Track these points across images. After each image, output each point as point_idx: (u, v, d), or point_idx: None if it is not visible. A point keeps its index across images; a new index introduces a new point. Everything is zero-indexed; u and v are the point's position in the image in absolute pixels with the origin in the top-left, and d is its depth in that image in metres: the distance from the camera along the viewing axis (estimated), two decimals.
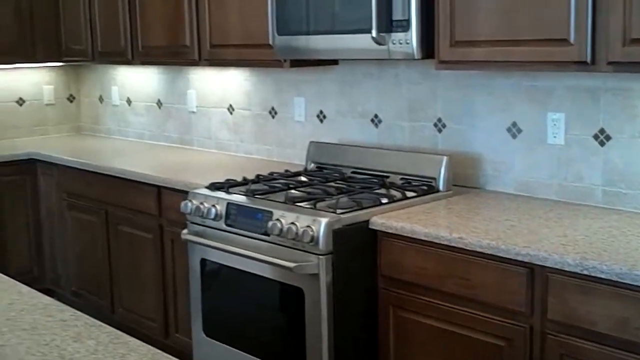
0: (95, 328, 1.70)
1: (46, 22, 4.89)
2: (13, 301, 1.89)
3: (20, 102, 5.23)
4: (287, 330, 2.83)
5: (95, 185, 4.14)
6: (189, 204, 3.16)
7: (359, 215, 2.72)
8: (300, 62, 3.41)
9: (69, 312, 1.81)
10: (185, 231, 3.19)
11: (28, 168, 4.62)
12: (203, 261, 3.14)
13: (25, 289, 1.99)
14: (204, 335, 3.18)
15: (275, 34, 3.25)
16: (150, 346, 1.60)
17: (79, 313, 1.80)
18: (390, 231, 2.62)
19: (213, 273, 3.12)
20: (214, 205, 3.05)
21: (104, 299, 4.19)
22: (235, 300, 3.03)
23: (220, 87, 4.31)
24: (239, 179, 3.33)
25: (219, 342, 3.11)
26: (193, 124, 4.54)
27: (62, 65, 5.29)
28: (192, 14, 3.85)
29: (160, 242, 3.74)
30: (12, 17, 4.76)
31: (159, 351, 1.59)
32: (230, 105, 4.26)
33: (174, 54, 4.03)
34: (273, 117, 4.00)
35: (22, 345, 1.61)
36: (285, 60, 3.38)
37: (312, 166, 3.58)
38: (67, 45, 4.87)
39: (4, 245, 4.56)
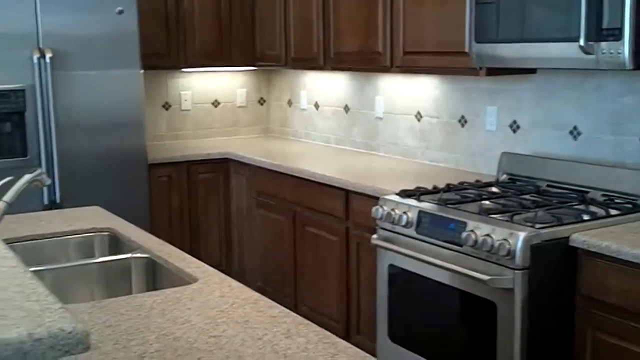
0: (303, 326, 1.76)
1: (243, 30, 5.12)
2: (224, 294, 1.99)
3: (216, 103, 5.50)
4: (476, 343, 2.79)
5: (285, 186, 4.28)
6: (380, 209, 3.19)
7: (559, 231, 2.63)
8: (496, 71, 3.35)
9: (277, 308, 1.88)
10: (374, 236, 3.22)
11: (222, 166, 4.85)
12: (391, 267, 3.16)
13: (235, 283, 2.08)
14: (389, 340, 3.19)
15: (473, 42, 3.21)
16: (358, 349, 1.63)
17: (287, 310, 1.87)
18: (593, 250, 2.51)
19: (401, 279, 3.13)
20: (405, 213, 3.06)
21: (287, 297, 4.32)
22: (422, 308, 3.03)
23: (408, 94, 4.33)
24: (426, 186, 3.32)
25: (404, 349, 3.12)
26: (379, 129, 4.58)
27: (254, 70, 5.52)
28: (385, 20, 3.89)
29: (345, 244, 3.80)
30: (213, 25, 5.02)
31: (368, 355, 1.61)
32: (418, 112, 4.26)
33: (365, 60, 4.09)
34: (462, 125, 3.96)
35: (237, 337, 1.69)
36: (481, 68, 3.33)
37: (503, 177, 3.51)
38: (262, 51, 5.07)
39: (197, 237, 4.82)
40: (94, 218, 2.91)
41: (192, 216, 4.80)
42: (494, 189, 3.31)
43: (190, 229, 4.80)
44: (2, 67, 4.04)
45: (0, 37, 4.02)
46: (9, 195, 2.34)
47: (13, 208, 2.36)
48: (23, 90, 4.08)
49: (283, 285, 4.37)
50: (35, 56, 4.09)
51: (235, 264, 4.90)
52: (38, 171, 2.41)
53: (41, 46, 4.12)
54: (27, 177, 2.38)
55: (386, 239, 3.15)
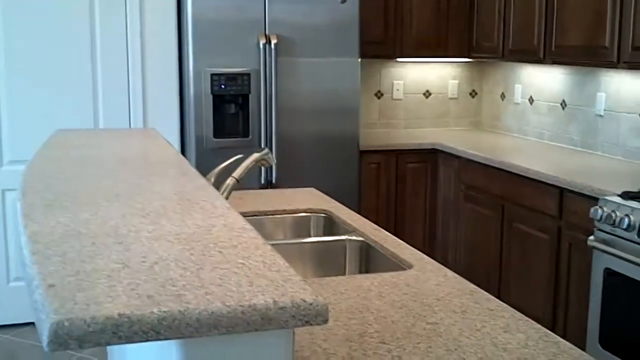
0: (522, 322, 1.73)
1: (460, 20, 5.08)
2: (440, 283, 2.00)
3: (427, 94, 5.50)
4: None
5: (494, 180, 4.21)
6: (599, 210, 3.06)
7: None
8: None
9: (495, 302, 1.87)
10: (591, 238, 3.10)
11: (430, 157, 4.86)
12: (607, 270, 3.02)
13: (450, 273, 2.08)
14: (600, 347, 3.07)
15: None
16: (582, 351, 1.58)
17: (505, 305, 1.85)
18: None
19: (617, 284, 2.99)
20: (627, 215, 2.91)
21: (491, 294, 4.25)
22: (639, 316, 2.88)
23: (633, 91, 4.10)
24: None
25: (615, 356, 2.98)
26: (599, 128, 4.38)
27: (467, 62, 5.46)
28: (615, 14, 3.70)
29: (557, 244, 3.68)
30: (430, 15, 5.03)
31: (591, 357, 1.56)
32: None
33: (589, 55, 3.92)
34: None
35: (454, 326, 1.69)
36: None
37: None
38: (478, 42, 5.01)
39: (402, 226, 4.87)
40: (310, 199, 3.02)
41: (398, 204, 4.85)
42: None
43: (395, 217, 4.86)
44: (231, 51, 4.29)
45: (230, 24, 4.27)
46: (238, 172, 2.49)
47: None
48: (249, 74, 4.31)
49: (487, 282, 4.31)
50: (262, 42, 4.30)
51: (439, 257, 4.89)
52: (265, 150, 2.54)
53: (267, 32, 4.32)
54: (255, 155, 2.52)
55: (604, 242, 3.02)
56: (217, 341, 1.10)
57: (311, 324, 1.10)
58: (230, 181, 2.41)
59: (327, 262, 2.57)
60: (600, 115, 4.36)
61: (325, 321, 1.10)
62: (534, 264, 3.86)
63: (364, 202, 4.73)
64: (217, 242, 1.38)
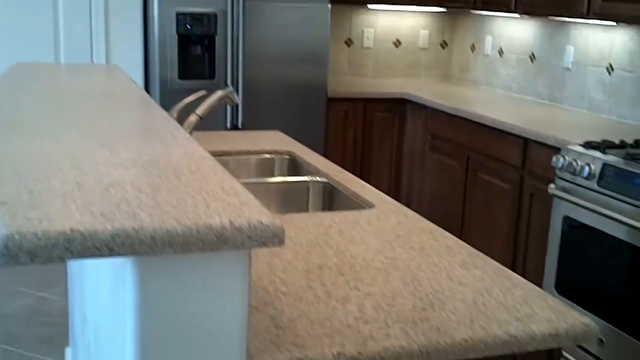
0: (479, 259, 1.75)
1: None
2: (401, 221, 2.01)
3: (397, 43, 5.48)
4: None
5: (460, 130, 4.23)
6: (561, 159, 3.09)
7: None
8: None
9: (453, 239, 1.88)
10: (552, 186, 3.14)
11: (398, 107, 4.86)
12: (566, 218, 3.07)
13: (411, 212, 2.10)
14: (555, 292, 3.12)
15: None
16: (535, 286, 1.61)
17: (463, 243, 1.87)
18: None
19: (575, 232, 3.04)
20: (588, 164, 2.95)
21: None
22: (594, 263, 2.93)
23: (601, 45, 4.12)
24: (614, 141, 3.18)
25: (570, 301, 3.04)
26: (566, 81, 4.40)
27: (439, 12, 5.44)
28: None
29: (519, 194, 3.72)
30: None
31: (542, 291, 1.58)
32: (610, 65, 4.05)
33: (560, 6, 3.92)
34: None
35: (412, 261, 1.71)
36: None
37: None
38: None
39: (368, 175, 4.88)
40: (275, 141, 3.01)
41: (364, 153, 4.86)
42: None
43: (361, 166, 4.87)
44: None
45: None
46: (201, 109, 2.46)
47: (198, 128, 2.48)
48: (215, 15, 4.24)
49: (449, 229, 4.35)
50: None
51: (403, 204, 4.91)
52: (230, 88, 2.51)
53: None
54: (219, 93, 2.50)
55: (564, 190, 3.06)
56: (172, 260, 1.10)
57: (267, 246, 1.10)
58: (193, 118, 2.39)
59: (291, 203, 2.57)
60: (568, 69, 4.38)
61: (282, 243, 1.11)
62: (496, 213, 3.90)
63: (330, 150, 4.73)
64: (175, 169, 1.37)
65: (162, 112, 1.96)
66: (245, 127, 4.36)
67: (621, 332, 2.79)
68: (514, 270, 3.76)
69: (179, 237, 1.05)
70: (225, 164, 2.80)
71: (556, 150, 3.31)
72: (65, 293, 3.94)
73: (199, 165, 1.41)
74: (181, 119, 2.44)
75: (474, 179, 4.12)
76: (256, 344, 1.27)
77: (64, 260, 1.01)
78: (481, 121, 4.01)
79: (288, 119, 4.49)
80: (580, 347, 3.02)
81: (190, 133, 2.42)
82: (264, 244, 1.10)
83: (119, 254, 1.02)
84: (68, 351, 3.13)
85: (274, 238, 1.10)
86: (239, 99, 2.59)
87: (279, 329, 1.33)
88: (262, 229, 1.09)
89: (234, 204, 1.18)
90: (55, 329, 3.54)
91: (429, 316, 1.42)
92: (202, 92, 2.52)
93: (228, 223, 1.08)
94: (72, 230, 1.01)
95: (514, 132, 3.73)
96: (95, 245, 1.01)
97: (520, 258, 3.72)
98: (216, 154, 2.80)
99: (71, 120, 1.76)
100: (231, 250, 1.11)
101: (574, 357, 3.04)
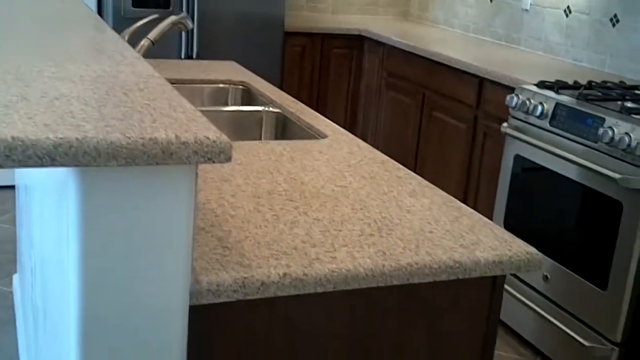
0: (429, 189, 1.76)
1: None
2: (353, 152, 2.01)
3: None
4: (594, 241, 2.74)
5: (417, 68, 4.22)
6: (515, 98, 3.11)
7: None
8: None
9: (404, 170, 1.89)
10: (505, 124, 3.16)
11: (356, 44, 4.82)
12: (517, 157, 3.10)
13: (363, 144, 2.10)
14: (504, 229, 3.17)
15: None
16: (482, 215, 1.63)
17: (413, 174, 1.88)
18: None
19: (526, 170, 3.08)
20: (541, 103, 2.97)
21: None
22: (543, 201, 2.98)
23: None
24: (568, 82, 3.20)
25: (518, 238, 3.09)
26: (524, 22, 4.41)
27: None
28: None
29: (472, 132, 3.75)
30: None
31: (490, 221, 1.61)
32: (568, 7, 4.06)
33: None
34: (614, 25, 3.75)
35: (362, 189, 1.71)
36: None
37: None
38: None
39: (323, 111, 4.86)
40: (230, 71, 2.97)
41: (321, 89, 4.83)
42: (639, 92, 3.15)
43: (317, 102, 4.84)
44: None
45: None
46: (153, 34, 2.41)
47: (152, 57, 2.43)
48: None
49: (404, 166, 4.37)
50: None
51: None
52: (184, 14, 2.46)
53: None
54: (172, 17, 2.44)
55: (517, 129, 3.09)
56: (116, 173, 1.08)
57: (214, 161, 1.09)
58: (145, 42, 2.34)
59: (244, 133, 2.55)
60: (526, 10, 4.38)
61: (228, 159, 1.10)
62: (450, 151, 3.93)
63: (286, 86, 4.69)
64: (123, 86, 1.34)
65: (114, 34, 1.92)
66: (200, 58, 4.29)
67: (566, 269, 2.86)
68: None
69: (124, 150, 1.03)
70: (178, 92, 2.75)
71: (510, 90, 3.33)
72: (13, 221, 3.89)
73: (148, 83, 1.38)
74: (133, 44, 2.39)
75: (429, 117, 4.13)
76: (202, 263, 1.27)
77: (4, 167, 0.99)
78: (438, 59, 4.00)
79: (244, 52, 4.42)
80: (526, 284, 3.09)
81: None
82: (210, 159, 1.09)
83: (61, 164, 1.00)
84: (15, 277, 3.10)
85: (220, 154, 1.09)
86: (193, 24, 2.54)
87: (225, 250, 1.33)
88: (208, 144, 1.08)
89: (181, 119, 1.16)
90: (3, 257, 3.50)
91: (376, 241, 1.43)
92: (154, 16, 2.46)
93: (174, 137, 1.07)
94: (13, 138, 0.98)
95: (469, 71, 3.73)
96: (37, 154, 0.99)
97: (471, 196, 3.76)
98: (170, 82, 2.75)
99: (21, 39, 1.70)
100: (177, 165, 1.09)
101: (519, 293, 3.11)
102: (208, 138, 1.08)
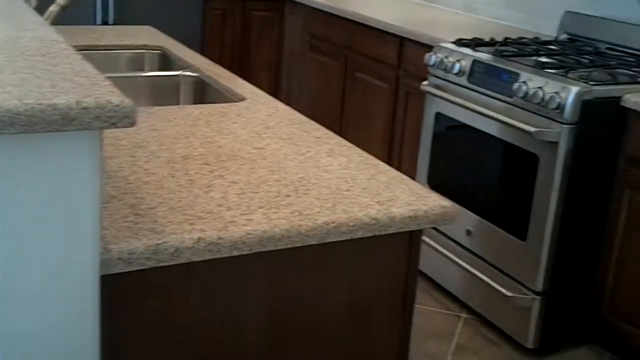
0: (346, 148, 1.77)
1: None
2: (271, 114, 2.00)
3: None
4: (513, 193, 2.80)
5: (338, 30, 4.21)
6: (434, 56, 3.13)
7: (612, 90, 2.57)
8: None
9: (323, 131, 1.89)
10: (425, 82, 3.19)
11: (277, 5, 4.77)
12: (438, 115, 3.14)
13: (282, 105, 2.09)
14: (427, 186, 3.22)
15: None
16: (398, 171, 1.64)
17: (332, 133, 1.88)
18: None
19: (446, 127, 3.12)
20: (458, 61, 3.00)
21: None
22: (464, 157, 3.03)
23: None
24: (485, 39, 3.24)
25: (441, 194, 3.14)
26: None
27: None
28: None
29: (395, 92, 3.77)
30: None
31: (406, 177, 1.62)
32: None
33: None
34: None
35: (280, 151, 1.70)
36: None
37: (563, 37, 3.40)
38: None
39: (247, 75, 4.82)
40: (146, 36, 2.91)
41: (243, 53, 4.78)
42: (553, 47, 3.22)
43: (240, 66, 4.79)
44: None
45: None
46: None
47: (66, 23, 2.36)
48: None
49: (329, 129, 4.37)
50: None
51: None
52: None
53: None
54: None
55: (436, 87, 3.12)
56: (15, 140, 1.04)
57: (117, 126, 1.06)
58: (53, 7, 2.26)
59: (161, 98, 2.50)
60: None
61: (133, 124, 1.07)
62: (374, 111, 3.95)
63: (208, 51, 4.62)
64: (23, 51, 1.30)
65: (19, 1, 1.84)
66: (117, 25, 4.19)
67: (488, 223, 2.92)
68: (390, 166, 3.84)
69: (22, 116, 1.00)
70: (92, 60, 2.68)
71: (430, 48, 3.35)
72: None
73: (50, 49, 1.33)
74: (41, 10, 2.31)
75: (352, 78, 4.13)
76: (113, 232, 1.24)
77: None
78: (358, 19, 3.99)
79: (162, 17, 4.34)
80: (452, 239, 3.14)
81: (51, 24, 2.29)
82: (113, 124, 1.06)
83: None
84: None
85: (124, 119, 1.06)
86: None
87: (137, 217, 1.30)
88: (111, 109, 1.05)
89: (83, 84, 1.13)
90: None
91: (292, 202, 1.43)
92: None
93: (74, 102, 1.04)
94: None
95: (390, 31, 3.74)
96: None
97: (396, 155, 3.80)
98: (82, 49, 2.68)
99: None
100: (79, 131, 1.06)
101: (445, 248, 3.16)
102: (110, 102, 1.06)
